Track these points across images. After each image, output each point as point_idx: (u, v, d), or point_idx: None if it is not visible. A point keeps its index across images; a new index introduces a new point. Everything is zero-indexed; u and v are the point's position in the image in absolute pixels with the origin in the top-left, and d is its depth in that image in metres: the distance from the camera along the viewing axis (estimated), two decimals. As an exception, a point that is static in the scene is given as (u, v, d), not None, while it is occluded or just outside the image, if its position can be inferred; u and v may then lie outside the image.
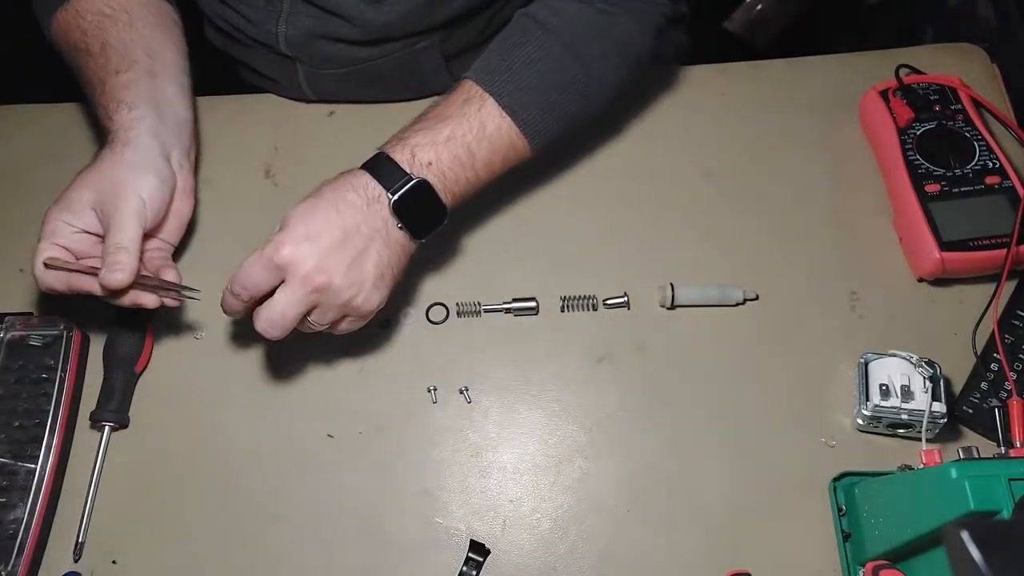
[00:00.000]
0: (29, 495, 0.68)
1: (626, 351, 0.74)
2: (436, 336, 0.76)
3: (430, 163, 0.66)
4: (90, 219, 0.67)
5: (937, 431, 0.65)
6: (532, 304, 0.76)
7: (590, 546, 0.67)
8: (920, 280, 0.75)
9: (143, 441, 0.73)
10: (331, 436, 0.72)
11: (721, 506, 0.68)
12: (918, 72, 0.82)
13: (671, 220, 0.80)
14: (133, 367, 0.74)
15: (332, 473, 0.71)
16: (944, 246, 0.71)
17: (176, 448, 0.72)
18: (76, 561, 0.68)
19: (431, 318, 0.77)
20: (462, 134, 0.67)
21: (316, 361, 0.75)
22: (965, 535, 0.37)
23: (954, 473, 0.49)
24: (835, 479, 0.66)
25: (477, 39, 0.84)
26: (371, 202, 0.64)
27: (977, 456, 0.54)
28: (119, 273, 0.64)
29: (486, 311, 0.76)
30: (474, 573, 0.65)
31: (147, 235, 0.69)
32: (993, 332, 0.69)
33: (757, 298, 0.75)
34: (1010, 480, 0.48)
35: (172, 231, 0.74)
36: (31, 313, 0.76)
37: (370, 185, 0.65)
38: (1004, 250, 0.69)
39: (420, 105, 0.72)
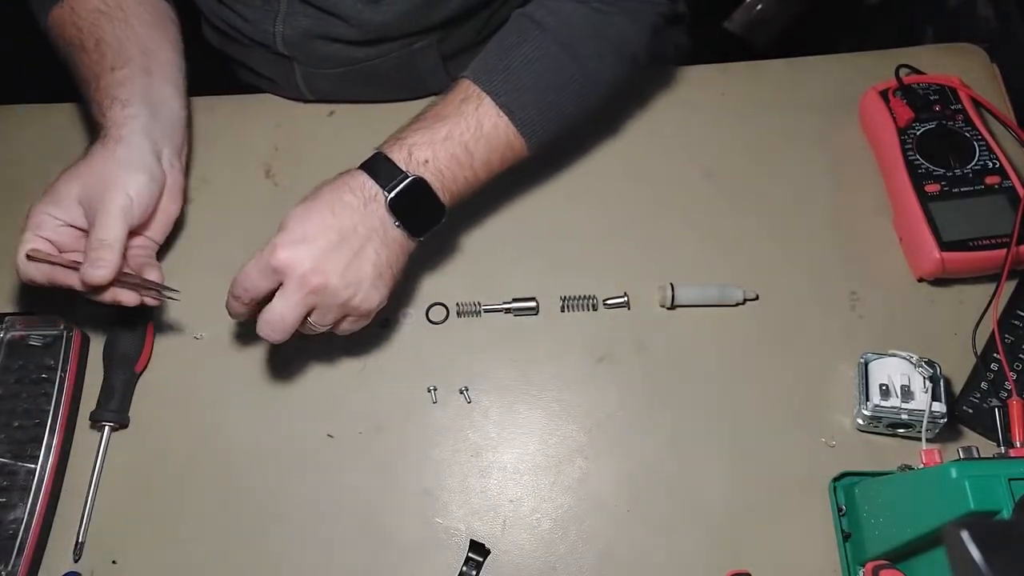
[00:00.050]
0: (29, 495, 0.68)
1: (626, 351, 0.74)
2: (436, 336, 0.76)
3: (427, 161, 0.66)
4: (76, 213, 0.67)
5: (937, 431, 0.65)
6: (532, 304, 0.76)
7: (590, 546, 0.67)
8: (920, 280, 0.75)
9: (143, 441, 0.73)
10: (331, 436, 0.72)
11: (721, 506, 0.68)
12: (918, 72, 0.82)
13: (671, 220, 0.80)
14: (133, 367, 0.74)
15: (332, 473, 0.71)
16: (944, 246, 0.71)
17: (176, 448, 0.72)
18: (76, 561, 0.68)
19: (431, 318, 0.77)
20: (459, 133, 0.67)
21: (316, 361, 0.75)
22: (965, 535, 0.37)
23: (954, 473, 0.49)
24: (835, 479, 0.66)
25: (475, 39, 0.84)
26: (368, 201, 0.64)
27: (977, 456, 0.54)
28: (101, 270, 0.64)
29: (486, 311, 0.76)
30: (474, 573, 0.65)
31: (133, 232, 0.69)
32: (993, 332, 0.69)
33: (757, 298, 0.75)
34: (1010, 480, 0.48)
35: (158, 230, 0.74)
36: (31, 313, 0.76)
37: (367, 185, 0.65)
38: (1004, 250, 0.69)
39: (419, 105, 0.72)
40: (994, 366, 0.69)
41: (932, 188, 0.73)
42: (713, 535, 0.67)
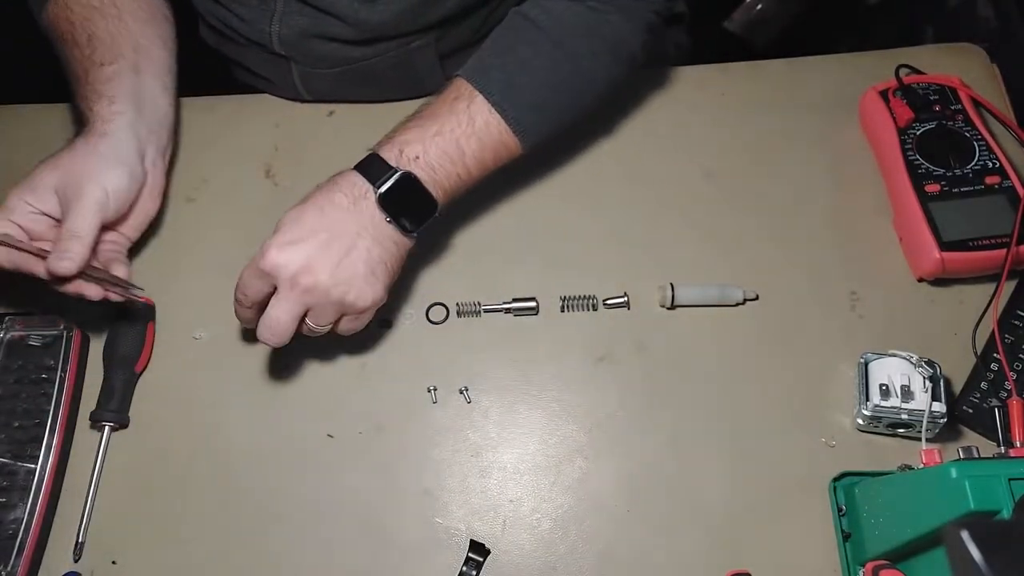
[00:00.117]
0: (29, 495, 0.68)
1: (626, 351, 0.74)
2: (436, 336, 0.76)
3: (417, 157, 0.66)
4: (51, 202, 0.68)
5: (937, 431, 0.65)
6: (532, 304, 0.76)
7: (590, 546, 0.67)
8: (920, 280, 0.75)
9: (143, 441, 0.73)
10: (331, 436, 0.72)
11: (721, 506, 0.68)
12: (918, 72, 0.82)
13: (671, 220, 0.80)
14: (133, 367, 0.74)
15: (332, 473, 0.71)
16: (944, 246, 0.71)
17: (176, 448, 0.72)
18: (76, 561, 0.68)
19: (431, 318, 0.77)
20: (451, 130, 0.67)
21: (316, 361, 0.75)
22: (965, 535, 0.37)
23: (954, 473, 0.49)
24: (835, 479, 0.66)
25: (472, 38, 0.84)
26: (357, 199, 0.65)
27: (977, 456, 0.54)
28: (67, 261, 0.64)
29: (486, 311, 0.76)
30: (474, 573, 0.65)
31: (107, 227, 0.70)
32: (993, 332, 0.69)
33: (757, 298, 0.75)
34: (1010, 480, 0.48)
35: (132, 227, 0.75)
36: (31, 313, 0.76)
37: (358, 183, 0.65)
38: (1004, 250, 0.69)
39: (418, 104, 0.72)
40: (994, 366, 0.69)
41: (932, 188, 0.73)
42: (713, 535, 0.67)
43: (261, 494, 0.70)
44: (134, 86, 0.73)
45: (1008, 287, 0.72)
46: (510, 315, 0.76)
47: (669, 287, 0.74)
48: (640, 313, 0.76)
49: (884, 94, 0.80)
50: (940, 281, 0.74)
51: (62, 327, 0.74)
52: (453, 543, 0.68)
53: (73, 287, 0.67)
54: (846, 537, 0.64)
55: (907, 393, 0.65)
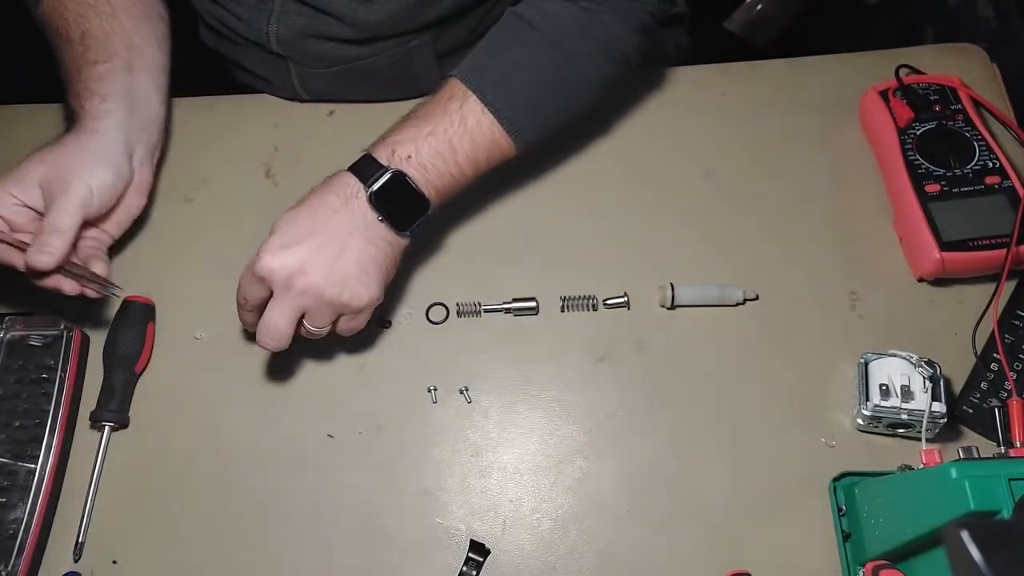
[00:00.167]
0: (29, 495, 0.68)
1: (626, 351, 0.74)
2: (436, 336, 0.76)
3: (409, 157, 0.66)
4: (35, 195, 0.68)
5: (937, 431, 0.65)
6: (532, 304, 0.76)
7: (590, 546, 0.67)
8: (920, 280, 0.75)
9: (143, 441, 0.73)
10: (331, 436, 0.72)
11: (721, 506, 0.68)
12: (918, 72, 0.82)
13: (671, 220, 0.80)
14: (133, 367, 0.74)
15: (332, 473, 0.71)
16: (944, 246, 0.71)
17: (176, 448, 0.72)
18: (76, 561, 0.68)
19: (431, 318, 0.77)
20: (443, 129, 0.67)
21: (316, 361, 0.75)
22: (965, 535, 0.37)
23: (954, 473, 0.49)
24: (835, 479, 0.66)
25: (469, 37, 0.84)
26: (349, 200, 0.65)
27: (977, 456, 0.54)
28: (46, 256, 0.65)
29: (486, 311, 0.76)
30: (474, 573, 0.65)
31: (89, 224, 0.70)
32: (993, 332, 0.69)
33: (757, 298, 0.75)
34: (1010, 480, 0.48)
35: (115, 225, 0.75)
36: (31, 313, 0.76)
37: (350, 183, 0.66)
38: (1004, 250, 0.69)
39: (416, 104, 0.72)
40: (994, 366, 0.69)
41: (932, 188, 0.73)
42: (713, 535, 0.67)
43: (261, 494, 0.70)
44: (126, 85, 0.73)
45: (1008, 287, 0.72)
46: (510, 315, 0.76)
47: (669, 287, 0.74)
48: (640, 313, 0.76)
49: (884, 94, 0.80)
50: (940, 281, 0.74)
51: (62, 327, 0.74)
52: (453, 543, 0.68)
53: (51, 281, 0.67)
54: (846, 537, 0.64)
55: (907, 393, 0.65)
